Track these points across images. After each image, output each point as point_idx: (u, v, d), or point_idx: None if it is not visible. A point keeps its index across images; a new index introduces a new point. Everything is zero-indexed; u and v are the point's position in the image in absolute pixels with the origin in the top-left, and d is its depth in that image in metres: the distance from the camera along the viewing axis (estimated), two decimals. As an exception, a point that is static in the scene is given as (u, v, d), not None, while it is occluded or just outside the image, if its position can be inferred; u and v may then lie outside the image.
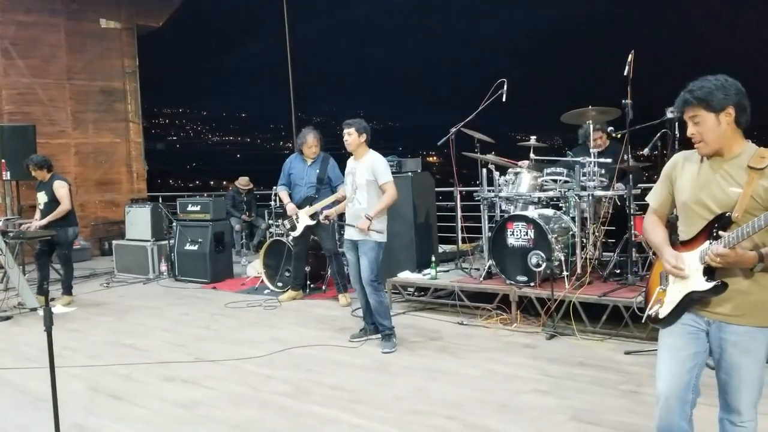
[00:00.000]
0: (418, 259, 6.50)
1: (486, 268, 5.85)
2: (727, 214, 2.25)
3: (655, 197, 2.56)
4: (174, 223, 8.46)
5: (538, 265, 5.29)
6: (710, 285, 2.28)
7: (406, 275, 6.31)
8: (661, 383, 2.38)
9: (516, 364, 4.45)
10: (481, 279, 5.83)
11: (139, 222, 8.84)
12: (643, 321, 2.63)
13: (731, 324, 2.31)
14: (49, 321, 2.92)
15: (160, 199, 9.04)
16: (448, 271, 6.43)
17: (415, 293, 6.32)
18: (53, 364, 3.05)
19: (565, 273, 5.28)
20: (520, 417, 3.58)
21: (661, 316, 2.45)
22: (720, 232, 2.25)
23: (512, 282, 5.49)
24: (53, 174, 6.99)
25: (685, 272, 2.34)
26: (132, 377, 4.57)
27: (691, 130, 2.33)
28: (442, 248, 7.52)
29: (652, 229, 2.54)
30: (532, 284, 5.36)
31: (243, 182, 10.19)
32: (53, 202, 6.82)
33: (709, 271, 2.29)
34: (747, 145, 2.31)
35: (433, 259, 6.20)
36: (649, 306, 2.53)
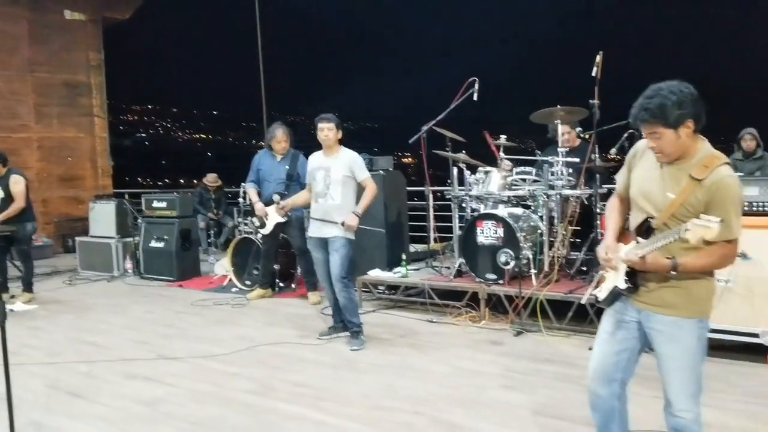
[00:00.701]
0: (389, 258, 6.48)
1: (456, 266, 5.86)
2: (648, 220, 2.35)
3: (619, 180, 2.64)
4: (139, 220, 8.31)
5: (506, 263, 5.31)
6: (624, 286, 2.42)
7: (376, 273, 6.29)
8: (591, 361, 2.61)
9: (483, 361, 4.46)
10: (452, 277, 5.83)
11: (103, 218, 8.65)
12: (584, 301, 2.82)
13: (658, 314, 2.38)
14: (2, 315, 2.82)
15: (126, 195, 8.86)
16: (418, 269, 6.43)
17: (386, 291, 6.30)
18: (7, 361, 2.94)
19: (533, 271, 5.32)
20: (485, 412, 3.59)
21: (599, 298, 2.60)
22: (638, 238, 2.37)
23: (482, 280, 5.50)
24: (9, 168, 6.77)
25: (616, 265, 2.46)
26: (92, 375, 4.46)
27: (650, 144, 2.35)
28: (414, 247, 7.52)
29: (609, 214, 2.65)
30: (500, 282, 5.38)
31: (211, 179, 10.02)
32: (10, 198, 6.63)
33: (630, 271, 2.41)
34: (703, 145, 2.32)
35: (404, 257, 6.19)
36: (595, 287, 2.67)
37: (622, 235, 2.53)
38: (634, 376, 2.60)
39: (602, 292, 2.57)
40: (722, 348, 4.24)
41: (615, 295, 2.50)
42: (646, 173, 2.43)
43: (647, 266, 2.31)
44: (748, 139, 7.31)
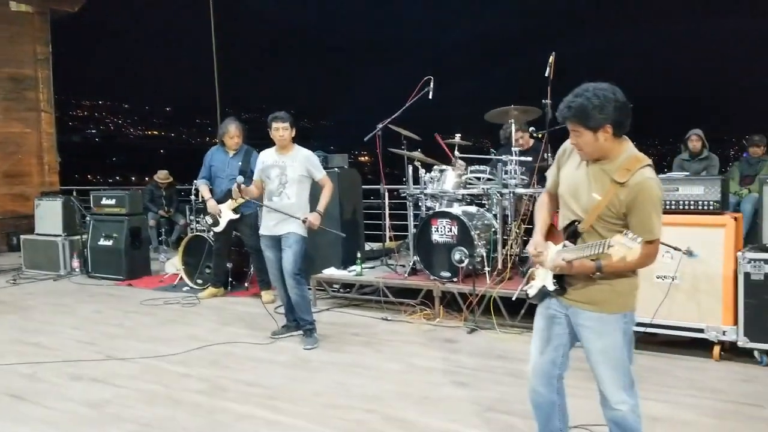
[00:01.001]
0: (344, 257, 6.43)
1: (411, 264, 5.87)
2: (575, 223, 2.42)
3: (549, 177, 2.68)
4: (87, 217, 8.08)
5: (461, 261, 5.34)
6: (553, 288, 2.49)
7: (331, 272, 6.24)
8: (531, 359, 2.65)
9: (437, 358, 4.47)
10: (406, 275, 5.84)
11: (49, 216, 8.38)
12: (514, 297, 2.80)
13: (585, 311, 2.45)
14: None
15: (74, 192, 8.61)
16: (373, 267, 6.41)
17: (341, 290, 6.26)
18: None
19: (486, 269, 5.36)
20: (437, 408, 3.60)
21: (530, 294, 2.65)
22: (566, 242, 2.44)
23: (436, 278, 5.52)
24: None
25: (545, 262, 2.50)
26: (36, 377, 4.31)
27: (571, 140, 2.41)
28: (369, 246, 7.49)
29: (538, 210, 2.70)
30: (455, 280, 5.41)
31: (162, 176, 9.79)
32: None
33: (558, 274, 2.47)
34: (626, 148, 2.37)
35: (359, 255, 6.17)
36: (526, 283, 2.71)
37: (551, 234, 2.59)
38: (569, 369, 2.65)
39: (532, 289, 2.63)
40: (670, 344, 4.36)
41: (544, 294, 2.56)
42: (573, 171, 2.48)
43: (574, 271, 2.38)
44: (695, 140, 7.53)
